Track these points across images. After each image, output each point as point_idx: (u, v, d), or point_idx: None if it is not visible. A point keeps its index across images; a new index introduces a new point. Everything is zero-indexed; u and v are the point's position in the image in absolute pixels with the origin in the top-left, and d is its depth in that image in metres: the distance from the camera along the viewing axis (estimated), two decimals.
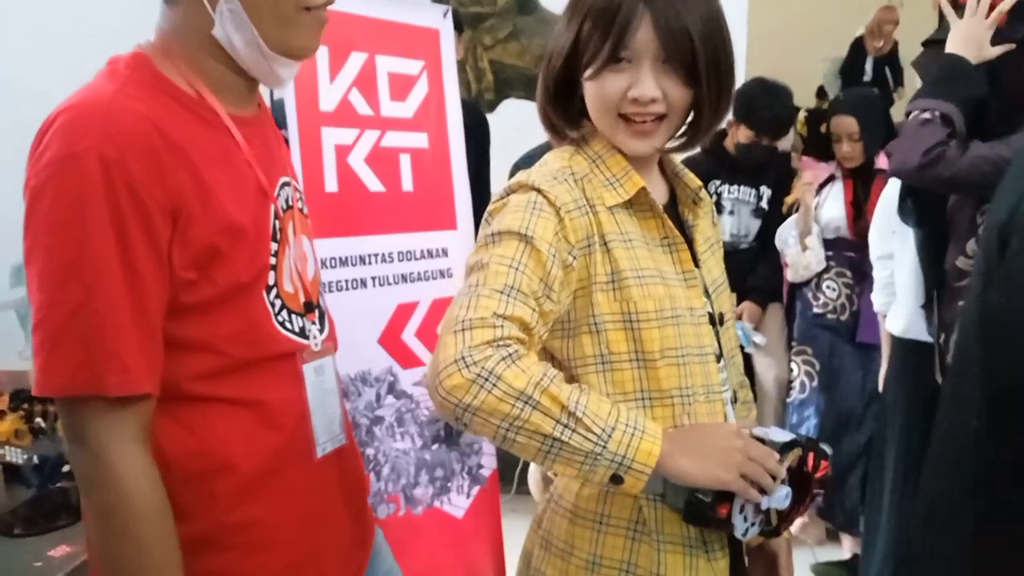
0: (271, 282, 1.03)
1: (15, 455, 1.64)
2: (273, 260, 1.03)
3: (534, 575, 1.17)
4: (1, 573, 1.30)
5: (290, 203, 1.10)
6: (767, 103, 3.03)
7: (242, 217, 0.97)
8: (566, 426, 0.92)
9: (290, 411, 1.05)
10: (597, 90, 1.08)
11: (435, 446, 2.04)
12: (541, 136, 3.77)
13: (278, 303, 1.04)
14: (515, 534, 2.29)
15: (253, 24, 0.98)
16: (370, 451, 1.90)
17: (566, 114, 1.15)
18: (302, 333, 1.08)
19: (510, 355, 0.92)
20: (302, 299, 1.09)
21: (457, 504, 2.10)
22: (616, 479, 0.95)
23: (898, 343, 2.33)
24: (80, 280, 0.87)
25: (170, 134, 0.92)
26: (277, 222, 1.05)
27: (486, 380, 0.90)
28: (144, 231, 0.89)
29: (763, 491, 0.99)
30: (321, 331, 1.12)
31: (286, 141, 1.34)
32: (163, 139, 0.91)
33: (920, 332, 2.17)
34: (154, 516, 0.91)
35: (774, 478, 1.00)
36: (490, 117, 3.53)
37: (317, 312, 1.13)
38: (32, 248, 0.89)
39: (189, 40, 1.00)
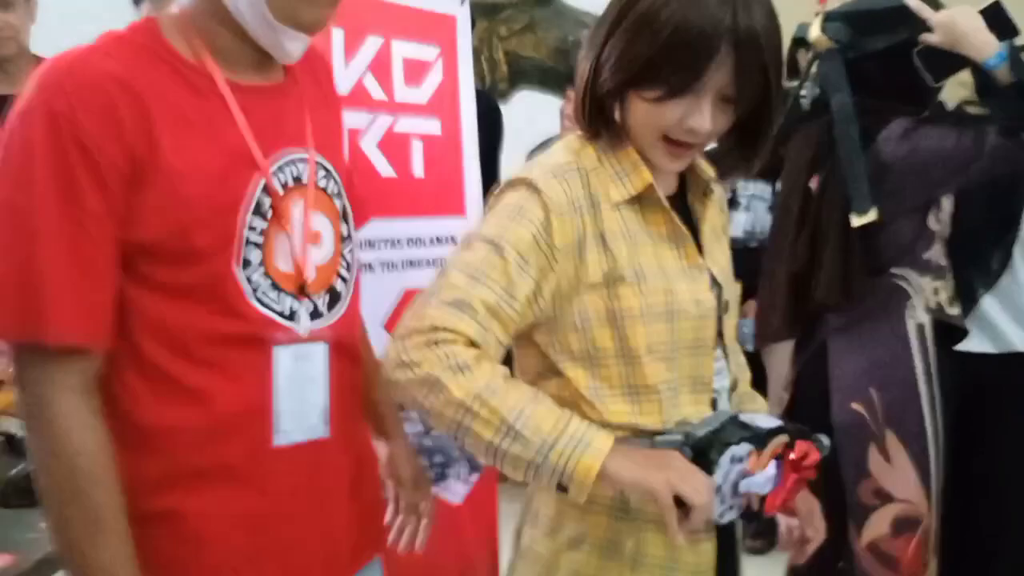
0: (252, 258, 1.00)
1: (14, 426, 1.64)
2: (256, 236, 1.00)
3: (524, 552, 1.19)
4: (4, 542, 1.30)
5: (301, 179, 1.06)
6: None
7: (203, 184, 0.96)
8: (505, 436, 0.98)
9: (248, 394, 1.01)
10: (650, 111, 1.07)
11: (436, 432, 2.04)
12: (553, 127, 3.79)
13: (264, 281, 1.01)
14: (510, 522, 2.31)
15: None
16: None
17: (603, 118, 1.13)
18: (293, 316, 1.04)
19: (458, 365, 0.97)
20: (299, 280, 1.05)
21: (455, 491, 2.10)
22: (561, 487, 1.00)
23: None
24: (24, 229, 0.89)
25: (141, 94, 0.92)
26: (266, 196, 1.01)
27: (432, 385, 0.97)
28: (93, 186, 0.90)
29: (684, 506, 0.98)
30: (320, 316, 1.07)
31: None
32: (128, 98, 0.91)
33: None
34: (89, 465, 0.92)
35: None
36: (503, 108, 3.53)
37: (326, 296, 1.08)
38: None
39: (203, 8, 1.01)
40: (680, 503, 0.98)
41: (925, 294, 1.84)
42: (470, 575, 2.20)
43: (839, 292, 1.84)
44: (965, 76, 1.86)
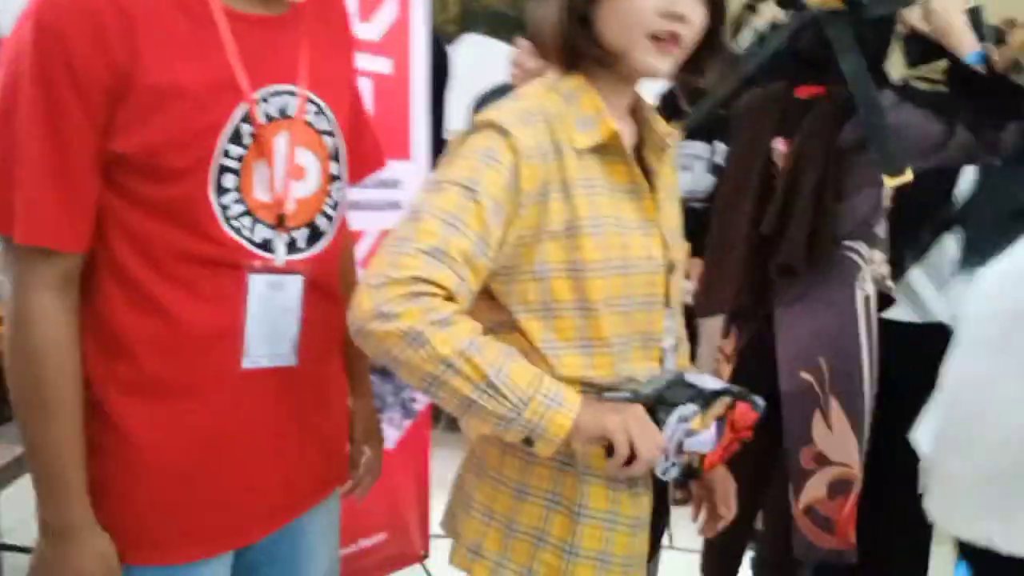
0: (227, 184, 1.01)
1: None
2: (233, 163, 1.01)
3: (466, 500, 1.19)
4: None
5: (288, 113, 1.06)
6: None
7: (182, 105, 0.97)
8: (484, 391, 0.98)
9: (218, 316, 1.03)
10: (625, 6, 1.06)
11: (371, 377, 2.03)
12: (499, 74, 3.72)
13: (238, 208, 1.02)
14: (439, 470, 2.33)
15: None
16: None
17: (583, 33, 1.10)
18: (266, 245, 1.05)
19: (441, 320, 0.97)
20: (282, 211, 1.05)
21: (387, 435, 2.10)
22: (527, 442, 1.02)
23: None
24: (9, 129, 0.94)
25: (130, 12, 0.94)
26: (249, 127, 1.02)
27: (414, 339, 0.96)
28: (74, 95, 0.93)
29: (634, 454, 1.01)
30: (298, 250, 1.08)
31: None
32: (116, 14, 0.94)
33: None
34: (54, 359, 0.97)
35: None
36: (451, 51, 3.46)
37: (306, 231, 1.09)
38: None
39: None
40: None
41: (873, 266, 1.87)
42: (399, 519, 2.22)
43: (804, 258, 1.84)
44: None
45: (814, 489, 1.88)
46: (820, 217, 1.83)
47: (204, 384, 1.03)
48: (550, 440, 1.00)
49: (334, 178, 1.13)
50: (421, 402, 2.17)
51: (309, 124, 1.09)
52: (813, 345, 1.87)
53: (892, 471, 1.85)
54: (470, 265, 1.01)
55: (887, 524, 1.98)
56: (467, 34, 4.20)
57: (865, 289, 1.86)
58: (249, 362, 1.05)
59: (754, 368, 1.93)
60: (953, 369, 1.33)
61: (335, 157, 1.14)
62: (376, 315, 0.97)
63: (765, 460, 1.97)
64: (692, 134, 2.89)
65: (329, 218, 1.13)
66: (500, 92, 3.30)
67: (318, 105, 1.10)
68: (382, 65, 1.96)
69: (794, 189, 1.85)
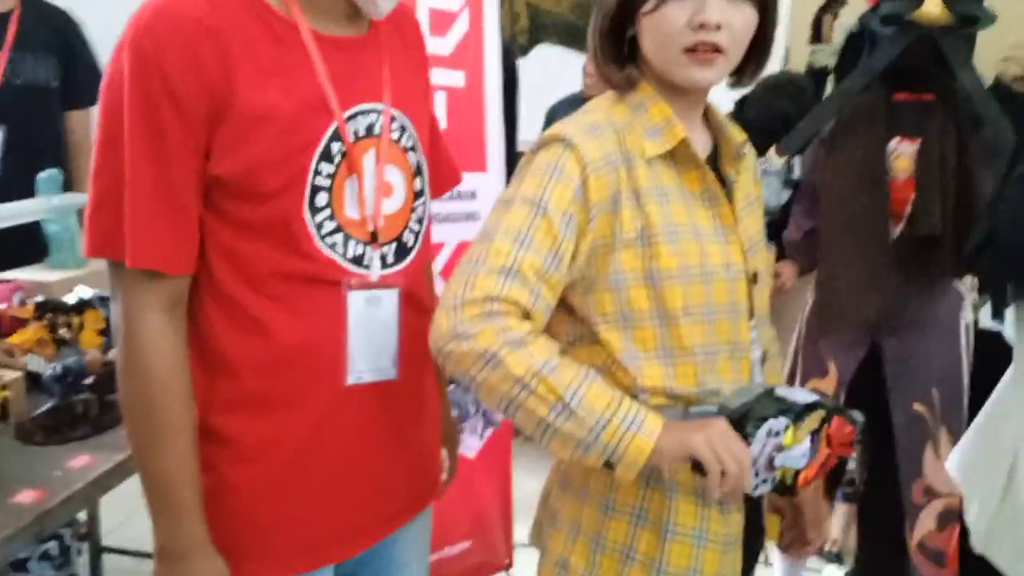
0: (320, 203, 1.03)
1: (38, 364, 1.66)
2: (325, 181, 1.03)
3: (552, 514, 1.19)
4: (21, 479, 1.31)
5: (375, 131, 1.09)
6: (765, 106, 2.77)
7: (276, 128, 0.99)
8: (559, 414, 0.97)
9: (319, 332, 1.05)
10: (657, 23, 1.05)
11: (452, 386, 2.05)
12: (572, 84, 3.71)
13: (330, 224, 1.04)
14: (522, 478, 2.33)
15: None
16: None
17: (615, 56, 1.13)
18: (358, 261, 1.07)
19: (516, 340, 0.97)
20: (370, 227, 1.07)
21: (470, 444, 2.12)
22: (608, 466, 1.00)
23: None
24: (116, 156, 0.97)
25: (223, 38, 0.97)
26: (339, 145, 1.04)
27: (489, 360, 0.96)
28: (175, 119, 0.96)
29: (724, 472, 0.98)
30: (388, 265, 1.10)
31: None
32: (210, 40, 0.96)
33: None
34: (163, 378, 0.99)
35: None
36: (522, 62, 3.48)
37: (394, 246, 1.11)
38: (97, 124, 1.01)
39: None
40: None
41: (973, 295, 1.91)
42: (483, 527, 2.23)
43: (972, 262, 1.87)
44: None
45: (925, 523, 1.87)
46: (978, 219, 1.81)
47: (307, 400, 1.05)
48: (630, 464, 0.98)
49: (418, 194, 1.15)
50: None
51: (394, 141, 1.11)
52: (927, 376, 1.86)
53: None
54: (544, 280, 1.01)
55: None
56: (537, 45, 4.22)
57: (966, 317, 1.89)
58: (353, 377, 1.07)
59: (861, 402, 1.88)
60: (995, 398, 1.29)
61: (418, 172, 1.15)
62: (453, 336, 0.97)
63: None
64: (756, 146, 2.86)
65: (415, 233, 1.15)
66: (572, 102, 3.31)
67: (401, 122, 1.12)
68: (455, 78, 1.98)
69: (947, 189, 1.83)
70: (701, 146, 1.15)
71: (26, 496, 1.26)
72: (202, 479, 1.02)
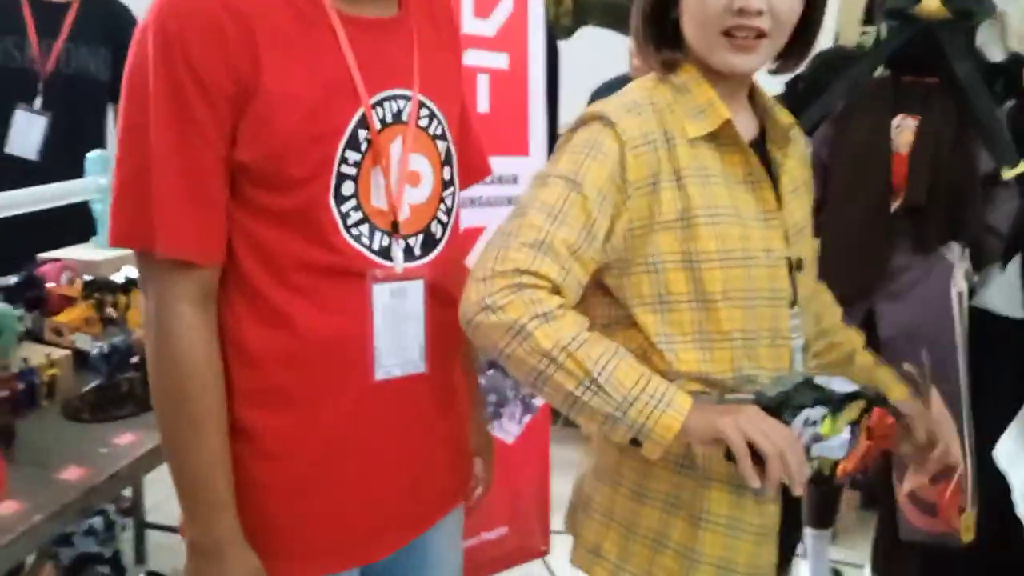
0: (346, 192, 0.99)
1: (85, 342, 1.68)
2: (351, 169, 0.99)
3: (586, 501, 1.18)
4: (67, 456, 1.34)
5: (402, 118, 1.04)
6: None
7: (301, 113, 0.96)
8: (588, 388, 0.96)
9: (345, 326, 1.01)
10: (697, 6, 1.04)
11: (491, 371, 2.05)
12: (616, 66, 3.67)
13: (356, 215, 1.00)
14: (559, 464, 2.33)
15: None
16: None
17: (658, 38, 1.11)
18: (384, 253, 1.03)
19: (545, 314, 0.96)
20: (396, 218, 1.03)
21: (508, 430, 2.12)
22: (635, 443, 0.99)
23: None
24: (142, 142, 0.94)
25: (248, 18, 0.94)
26: (365, 132, 1.00)
27: (517, 332, 0.96)
28: (202, 104, 0.93)
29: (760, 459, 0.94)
30: (414, 257, 1.06)
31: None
32: (235, 21, 0.93)
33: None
34: (196, 372, 0.96)
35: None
36: (566, 44, 3.44)
37: (421, 237, 1.07)
38: (119, 108, 0.98)
39: None
40: (756, 458, 0.94)
41: (964, 264, 2.02)
42: (520, 513, 2.23)
43: (949, 234, 2.00)
44: None
45: (918, 477, 1.91)
46: (972, 195, 1.97)
47: (334, 394, 1.02)
48: (657, 441, 0.97)
49: (447, 183, 1.11)
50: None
51: (422, 128, 1.07)
52: (916, 339, 1.94)
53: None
54: (576, 257, 1.00)
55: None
56: (581, 27, 4.17)
57: (958, 285, 2.00)
58: (382, 372, 1.04)
59: None
60: None
61: (447, 161, 1.11)
62: (482, 307, 0.97)
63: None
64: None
65: (443, 224, 1.11)
66: (616, 84, 3.27)
67: (430, 109, 1.08)
68: (499, 61, 1.97)
69: (940, 163, 1.97)
70: (746, 128, 1.13)
71: (72, 473, 1.29)
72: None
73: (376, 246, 1.02)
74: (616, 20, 4.02)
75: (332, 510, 1.04)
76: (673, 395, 0.97)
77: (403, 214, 1.05)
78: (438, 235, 1.10)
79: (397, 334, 1.05)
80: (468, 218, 1.95)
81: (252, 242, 0.98)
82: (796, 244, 1.14)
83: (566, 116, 3.11)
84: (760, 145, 1.15)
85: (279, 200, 0.97)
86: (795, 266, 1.13)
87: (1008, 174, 1.91)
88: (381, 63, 1.03)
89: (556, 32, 3.67)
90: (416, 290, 1.06)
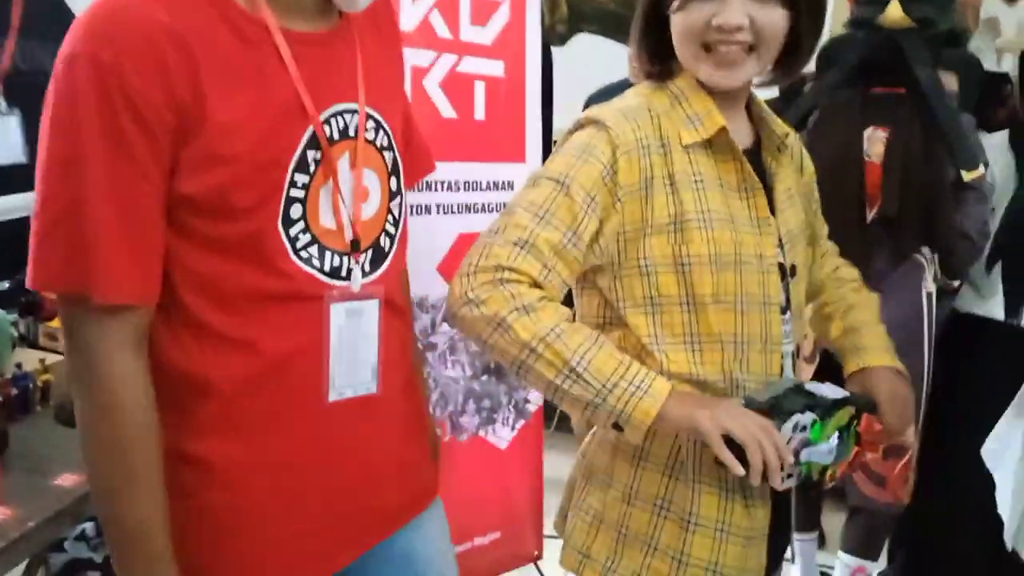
0: (294, 215, 0.95)
1: None
2: (300, 192, 0.95)
3: (576, 504, 1.20)
4: (62, 462, 1.34)
5: (350, 132, 1.00)
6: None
7: (249, 141, 0.91)
8: (567, 377, 0.99)
9: (299, 349, 0.98)
10: (682, 20, 1.06)
11: (484, 377, 2.05)
12: (612, 73, 3.67)
13: (305, 238, 0.96)
14: (552, 470, 2.33)
15: None
16: None
17: (655, 49, 1.13)
18: (335, 273, 0.99)
19: (524, 306, 0.99)
20: (348, 237, 1.00)
21: (501, 435, 2.12)
22: (617, 427, 1.01)
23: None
24: (71, 180, 0.86)
25: (189, 44, 0.88)
26: (314, 152, 0.96)
27: (498, 325, 0.99)
28: (140, 138, 0.86)
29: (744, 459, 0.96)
30: (366, 273, 1.03)
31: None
32: (175, 47, 0.87)
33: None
34: (138, 423, 0.91)
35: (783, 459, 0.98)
36: (561, 51, 3.44)
37: (370, 253, 1.03)
38: (40, 141, 0.90)
39: None
40: (739, 451, 0.95)
41: (934, 266, 2.14)
42: (513, 518, 2.23)
43: (922, 239, 2.10)
44: None
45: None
46: (942, 202, 2.06)
47: (288, 418, 0.99)
48: (636, 427, 0.99)
49: (393, 194, 1.08)
50: (534, 403, 2.18)
51: (369, 142, 1.04)
52: (891, 335, 2.00)
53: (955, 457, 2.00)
54: (559, 256, 1.02)
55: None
56: (577, 33, 4.18)
57: (927, 287, 2.11)
58: (335, 394, 1.01)
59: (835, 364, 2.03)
60: None
61: (394, 172, 1.08)
62: (465, 301, 1.01)
63: None
64: None
65: (391, 236, 1.08)
66: (615, 89, 3.28)
67: (376, 120, 1.05)
68: (495, 68, 1.97)
69: (909, 173, 2.06)
70: (742, 137, 1.14)
71: (66, 479, 1.29)
72: (180, 505, 0.95)
73: (327, 267, 0.99)
74: (611, 27, 4.04)
75: (288, 532, 1.01)
76: (652, 382, 0.99)
77: (357, 232, 1.02)
78: (386, 248, 1.07)
79: (350, 355, 1.02)
80: (465, 225, 1.96)
81: (193, 274, 0.93)
82: (790, 251, 1.15)
83: (560, 123, 3.12)
84: (756, 153, 1.16)
85: (223, 229, 0.92)
86: (788, 272, 1.14)
87: (968, 177, 2.00)
88: (327, 78, 0.99)
89: (551, 39, 3.68)
90: (372, 309, 1.03)
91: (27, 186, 1.89)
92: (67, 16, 2.50)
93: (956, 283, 2.28)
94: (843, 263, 1.37)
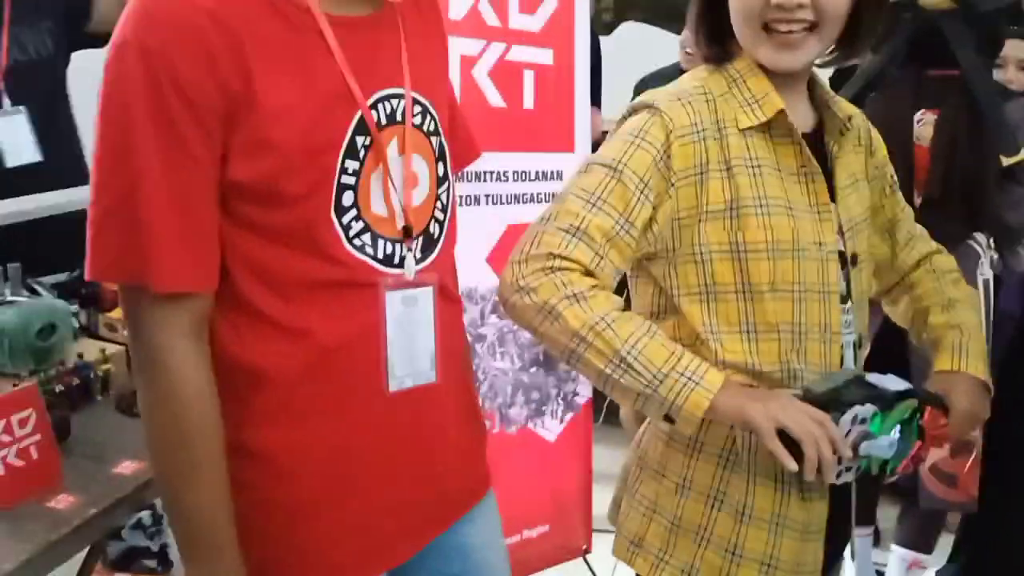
0: (346, 202, 0.95)
1: None
2: (351, 179, 0.95)
3: (630, 492, 1.18)
4: (121, 451, 1.35)
5: (397, 118, 0.99)
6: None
7: (296, 128, 0.90)
8: (617, 366, 0.98)
9: (355, 338, 0.97)
10: (738, 1, 1.03)
11: (533, 369, 2.04)
12: (657, 60, 3.64)
13: (357, 225, 0.96)
14: (600, 463, 2.32)
15: None
16: None
17: (713, 30, 1.10)
18: (388, 260, 0.99)
19: (575, 295, 0.97)
20: (400, 223, 0.99)
21: (549, 428, 2.12)
22: (668, 419, 0.99)
23: None
24: (123, 168, 0.87)
25: (235, 28, 0.87)
26: (363, 138, 0.95)
27: (548, 313, 0.98)
28: (191, 124, 0.86)
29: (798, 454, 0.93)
30: (421, 260, 1.02)
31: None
32: (221, 32, 0.86)
33: None
34: (201, 411, 0.91)
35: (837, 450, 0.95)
36: (608, 39, 3.42)
37: (421, 240, 1.02)
38: (94, 130, 0.90)
39: None
40: (794, 446, 0.93)
41: (991, 253, 2.10)
42: (562, 511, 2.22)
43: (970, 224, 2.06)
44: None
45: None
46: (984, 186, 2.03)
47: (348, 406, 0.98)
48: (687, 419, 0.97)
49: (441, 180, 1.06)
50: (583, 395, 2.16)
51: (417, 127, 1.03)
52: None
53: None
54: (611, 243, 1.01)
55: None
56: (623, 21, 4.14)
57: (984, 274, 2.07)
58: (395, 384, 1.00)
59: (890, 350, 1.97)
60: None
61: (441, 157, 1.07)
62: (516, 289, 1.00)
63: None
64: None
65: (440, 223, 1.06)
66: (665, 74, 3.25)
67: (423, 105, 1.03)
68: (544, 56, 1.96)
69: (952, 157, 2.03)
70: (802, 120, 1.11)
71: (126, 467, 1.31)
72: (240, 498, 0.95)
73: (380, 254, 0.98)
74: (657, 15, 4.00)
75: (350, 523, 1.01)
76: (704, 372, 0.97)
77: (410, 217, 1.01)
78: (436, 235, 1.06)
79: (408, 343, 1.01)
80: (514, 216, 1.95)
81: (249, 262, 0.93)
82: (852, 238, 1.12)
83: (607, 112, 3.09)
84: (817, 137, 1.13)
85: (275, 217, 0.92)
86: (849, 261, 1.11)
87: (1007, 162, 1.97)
88: (372, 63, 0.98)
89: (597, 28, 3.65)
90: (426, 296, 1.02)
91: (43, 186, 1.90)
92: None
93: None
94: (937, 249, 1.31)
